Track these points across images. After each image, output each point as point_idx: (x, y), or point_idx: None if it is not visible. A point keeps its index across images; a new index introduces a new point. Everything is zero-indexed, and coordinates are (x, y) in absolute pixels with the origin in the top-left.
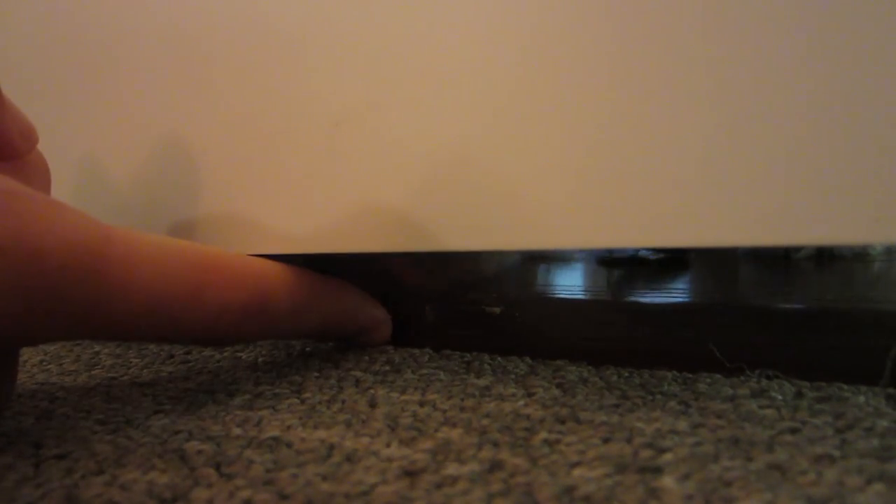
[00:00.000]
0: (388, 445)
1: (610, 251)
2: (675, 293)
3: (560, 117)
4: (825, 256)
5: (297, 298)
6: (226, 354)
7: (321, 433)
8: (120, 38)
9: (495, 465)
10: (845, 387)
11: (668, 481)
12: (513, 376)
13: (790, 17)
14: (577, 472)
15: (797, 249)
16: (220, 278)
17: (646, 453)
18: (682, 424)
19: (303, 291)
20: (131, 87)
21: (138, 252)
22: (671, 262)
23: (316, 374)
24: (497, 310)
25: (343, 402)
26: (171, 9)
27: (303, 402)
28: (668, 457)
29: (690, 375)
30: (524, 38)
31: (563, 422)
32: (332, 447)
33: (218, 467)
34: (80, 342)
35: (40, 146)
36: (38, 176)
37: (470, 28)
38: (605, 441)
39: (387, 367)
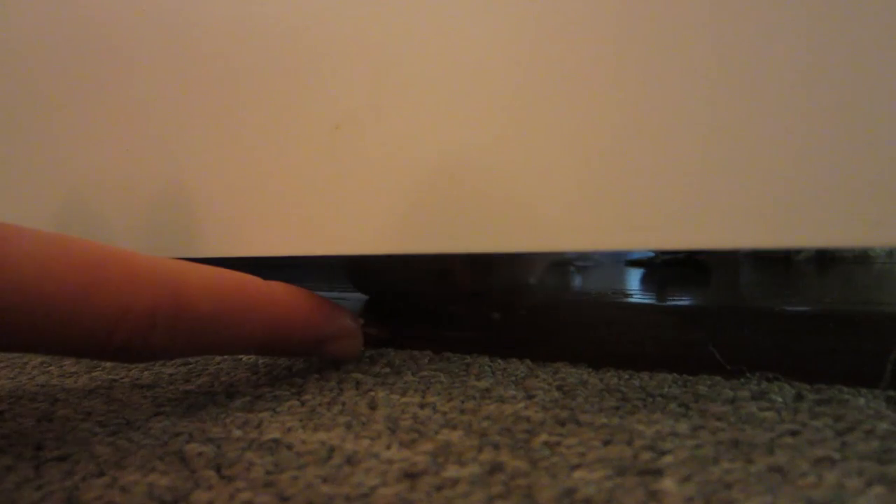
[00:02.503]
0: (388, 447)
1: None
2: (676, 296)
3: (562, 120)
4: (826, 259)
5: (225, 302)
6: (226, 356)
7: (321, 435)
8: (121, 42)
9: (495, 468)
10: (845, 389)
11: (668, 483)
12: (513, 378)
13: (791, 20)
14: (577, 474)
15: (798, 252)
16: (117, 277)
17: (646, 456)
18: (683, 427)
19: (232, 294)
20: (132, 89)
21: (8, 242)
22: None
23: (316, 375)
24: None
25: (343, 404)
26: (172, 12)
27: (303, 404)
28: (668, 459)
29: (690, 378)
30: (526, 40)
31: (563, 424)
32: (332, 449)
33: (218, 469)
34: None
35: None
36: None
37: (472, 31)
38: (606, 443)
39: (387, 370)
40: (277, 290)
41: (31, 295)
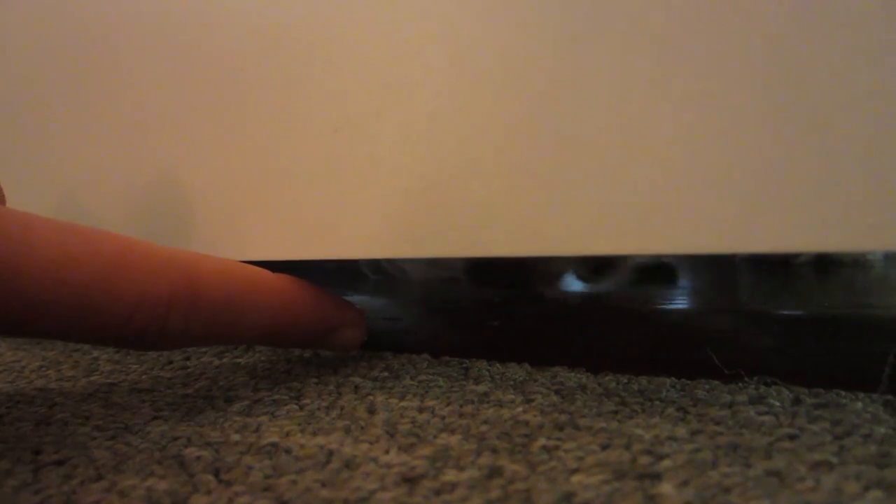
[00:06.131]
0: (386, 452)
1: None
2: (674, 299)
3: (563, 125)
4: (824, 263)
5: (237, 290)
6: (224, 360)
7: (320, 439)
8: (120, 42)
9: (494, 472)
10: (843, 393)
11: (666, 488)
12: (511, 382)
13: (787, 21)
14: (575, 478)
15: (796, 255)
16: (137, 264)
17: (644, 460)
18: (681, 431)
19: (242, 283)
20: (131, 90)
21: (34, 230)
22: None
23: (315, 379)
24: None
25: (342, 408)
26: (172, 13)
27: (301, 408)
28: (666, 463)
29: (689, 382)
30: (527, 44)
31: (561, 428)
32: (330, 453)
33: (217, 473)
34: (78, 348)
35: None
36: None
37: (472, 35)
38: (604, 447)
39: (385, 374)
40: (285, 282)
41: (54, 280)
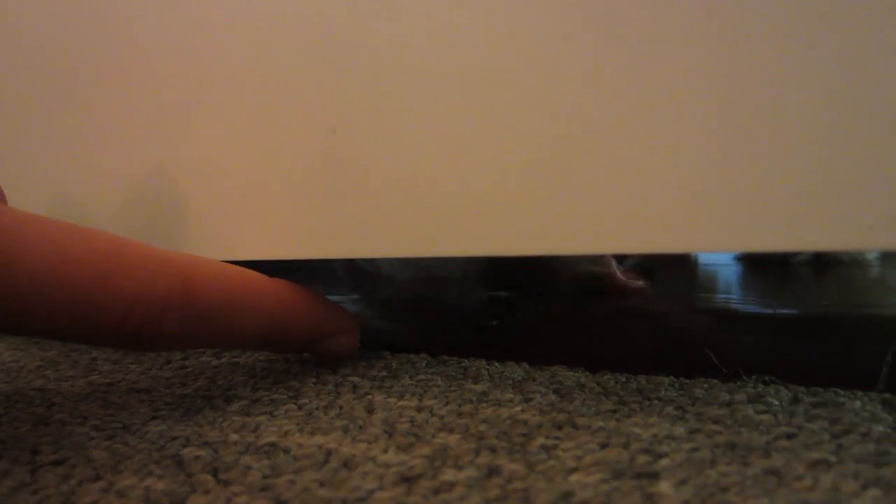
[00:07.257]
0: (385, 451)
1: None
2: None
3: (563, 123)
4: (823, 262)
5: (232, 293)
6: (223, 360)
7: (318, 439)
8: (116, 42)
9: (492, 471)
10: (841, 392)
11: (664, 487)
12: (510, 382)
13: (788, 23)
14: (574, 477)
15: (795, 254)
16: (133, 265)
17: (642, 459)
18: (679, 430)
19: (237, 286)
20: (126, 90)
21: (31, 228)
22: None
23: (313, 379)
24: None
25: (340, 407)
26: (168, 14)
27: (300, 407)
28: (664, 462)
29: (687, 381)
30: (525, 43)
31: (560, 427)
32: (329, 453)
33: (215, 473)
34: (77, 347)
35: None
36: None
37: (470, 35)
38: (602, 446)
39: (384, 373)
40: (279, 286)
41: (50, 279)
